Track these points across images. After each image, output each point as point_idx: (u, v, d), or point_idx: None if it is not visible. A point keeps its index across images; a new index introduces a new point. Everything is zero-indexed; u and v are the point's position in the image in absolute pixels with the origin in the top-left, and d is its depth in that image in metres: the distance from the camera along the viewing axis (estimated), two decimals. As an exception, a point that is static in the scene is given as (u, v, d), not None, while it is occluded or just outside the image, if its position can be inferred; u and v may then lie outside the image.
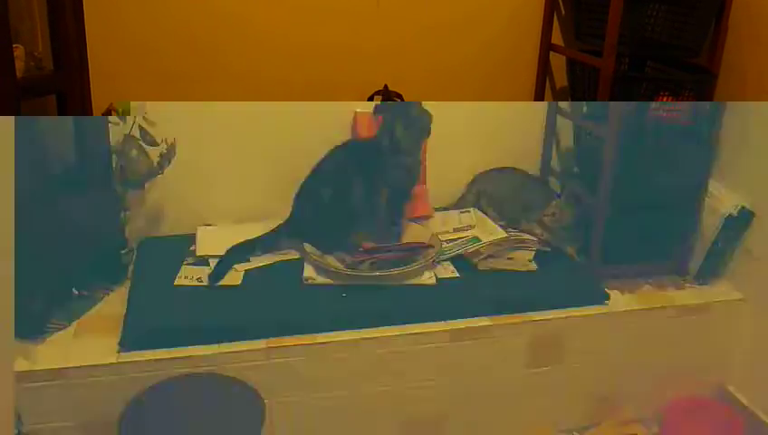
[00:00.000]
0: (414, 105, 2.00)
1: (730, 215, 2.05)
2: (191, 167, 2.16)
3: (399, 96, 2.14)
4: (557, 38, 2.28)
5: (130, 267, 2.06)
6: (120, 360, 1.69)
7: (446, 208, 2.34)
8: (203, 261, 2.02)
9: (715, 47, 1.96)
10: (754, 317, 2.08)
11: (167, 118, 2.04)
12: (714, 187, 2.11)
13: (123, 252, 2.07)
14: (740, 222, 2.05)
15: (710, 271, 2.15)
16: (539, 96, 2.32)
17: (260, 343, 1.76)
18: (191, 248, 2.08)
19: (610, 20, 1.82)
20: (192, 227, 2.17)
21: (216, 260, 1.99)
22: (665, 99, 1.96)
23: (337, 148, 2.04)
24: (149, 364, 1.69)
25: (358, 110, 2.20)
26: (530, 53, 2.30)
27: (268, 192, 2.22)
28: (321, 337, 1.79)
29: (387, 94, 2.10)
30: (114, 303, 1.91)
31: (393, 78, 2.16)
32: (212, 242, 2.09)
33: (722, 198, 2.09)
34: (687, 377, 2.15)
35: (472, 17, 2.22)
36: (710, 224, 2.10)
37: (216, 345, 1.74)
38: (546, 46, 2.27)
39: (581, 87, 2.17)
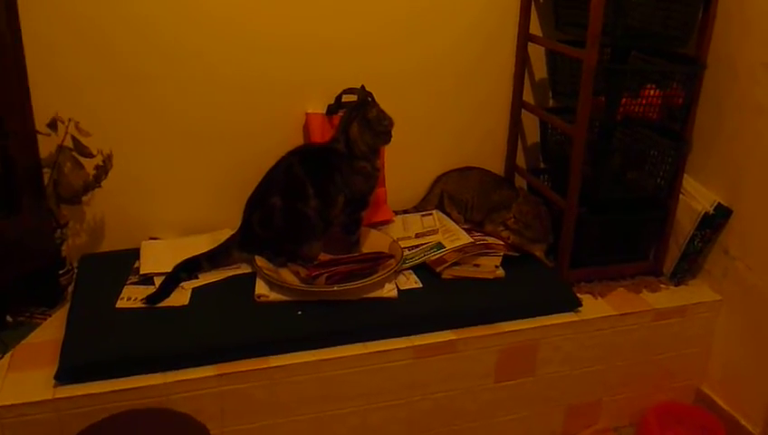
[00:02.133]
0: (371, 107, 1.87)
1: (706, 212, 1.95)
2: (132, 177, 2.02)
3: (370, 95, 2.00)
4: (535, 28, 2.15)
5: (70, 288, 1.91)
6: (56, 396, 1.54)
7: (406, 211, 2.22)
8: (147, 280, 1.88)
9: (703, 36, 1.84)
10: (730, 317, 2.00)
11: (102, 127, 1.90)
12: (688, 183, 2.02)
13: (61, 272, 1.91)
14: (716, 219, 1.96)
15: (685, 271, 2.06)
16: (517, 90, 2.20)
17: (210, 370, 1.63)
18: (135, 265, 1.94)
19: (593, 8, 1.70)
20: (136, 242, 2.03)
21: (162, 278, 1.85)
22: (651, 91, 1.85)
23: (289, 153, 1.90)
24: (89, 399, 1.55)
25: (309, 111, 2.06)
26: (507, 45, 2.17)
27: (216, 202, 2.09)
28: (276, 359, 1.67)
29: (358, 93, 1.96)
30: (52, 328, 1.77)
31: (363, 74, 2.02)
32: (157, 258, 1.95)
33: (697, 195, 1.99)
34: (663, 381, 2.07)
35: (445, 7, 2.08)
36: (685, 222, 2.01)
37: (162, 374, 1.61)
38: (524, 37, 2.14)
39: (563, 80, 2.06)
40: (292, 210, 1.84)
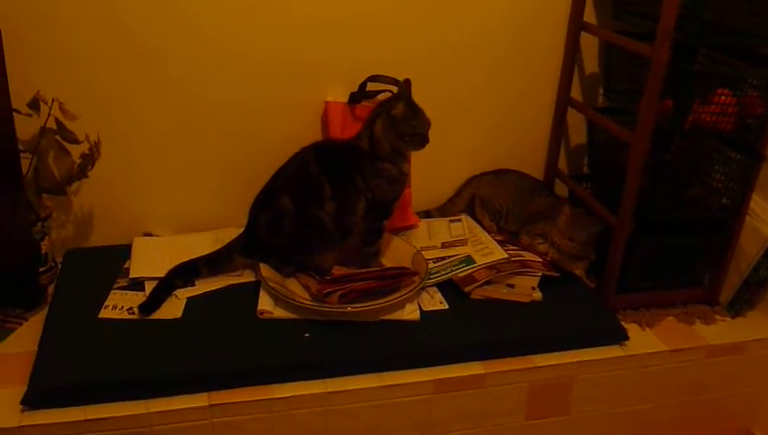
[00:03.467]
0: (397, 102, 1.62)
1: (775, 238, 1.71)
2: (127, 164, 1.81)
3: (397, 83, 1.75)
4: (590, 15, 1.88)
5: (52, 287, 1.69)
6: (22, 423, 1.34)
7: (428, 213, 1.98)
8: (137, 284, 1.66)
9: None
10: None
11: (98, 108, 1.68)
12: (756, 204, 1.76)
13: (42, 270, 1.69)
14: (787, 247, 1.71)
15: (745, 302, 1.82)
16: (564, 84, 1.95)
17: (201, 399, 1.42)
18: (125, 266, 1.72)
19: (668, -2, 1.43)
20: (129, 236, 1.82)
21: (154, 283, 1.63)
22: (722, 98, 1.59)
23: (305, 149, 1.67)
24: (61, 429, 1.35)
25: (329, 99, 1.82)
26: (555, 31, 1.91)
27: (221, 196, 1.87)
28: (278, 389, 1.45)
29: (399, 86, 1.71)
30: (28, 335, 1.56)
31: (390, 57, 1.78)
32: (150, 259, 1.73)
33: (766, 217, 1.74)
34: (711, 422, 1.84)
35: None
36: (749, 247, 1.76)
37: (146, 402, 1.40)
38: (576, 24, 1.88)
39: (619, 77, 1.80)
40: (305, 214, 1.61)
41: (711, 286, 1.84)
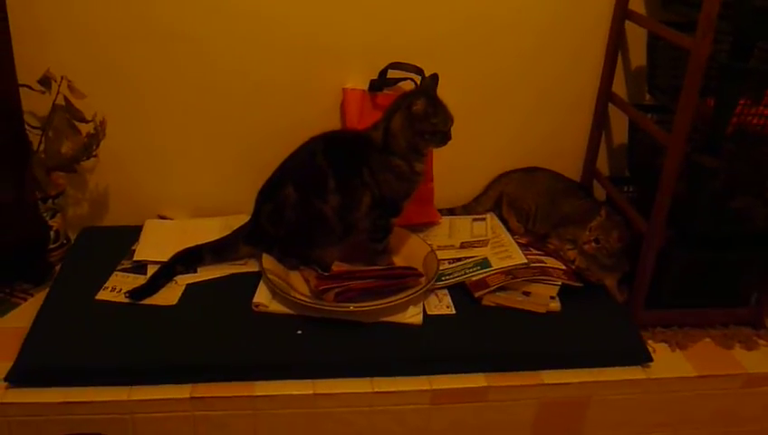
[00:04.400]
0: (418, 97, 1.51)
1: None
2: (144, 145, 1.79)
3: (420, 71, 1.65)
4: (637, 3, 1.72)
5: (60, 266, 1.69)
6: (4, 400, 1.33)
7: (452, 211, 1.88)
8: (140, 267, 1.63)
9: None
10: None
11: (117, 84, 1.67)
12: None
13: (53, 247, 1.69)
14: None
15: (795, 327, 1.63)
16: (606, 78, 1.81)
17: (184, 390, 1.37)
18: (133, 247, 1.70)
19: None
20: (145, 218, 1.81)
21: (156, 268, 1.60)
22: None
23: (314, 138, 1.59)
24: (41, 409, 1.33)
25: (348, 85, 1.73)
26: (598, 19, 1.76)
27: (234, 182, 1.82)
28: (263, 387, 1.39)
29: (423, 80, 1.61)
30: (30, 312, 1.54)
31: (415, 43, 1.69)
32: (158, 241, 1.71)
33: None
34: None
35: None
36: (802, 267, 1.58)
37: (129, 389, 1.36)
38: (621, 12, 1.73)
39: (663, 72, 1.64)
40: (307, 206, 1.54)
41: (756, 308, 1.66)
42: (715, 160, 1.56)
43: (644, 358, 1.52)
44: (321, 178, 1.53)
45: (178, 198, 1.84)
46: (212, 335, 1.46)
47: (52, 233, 1.69)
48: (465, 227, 1.82)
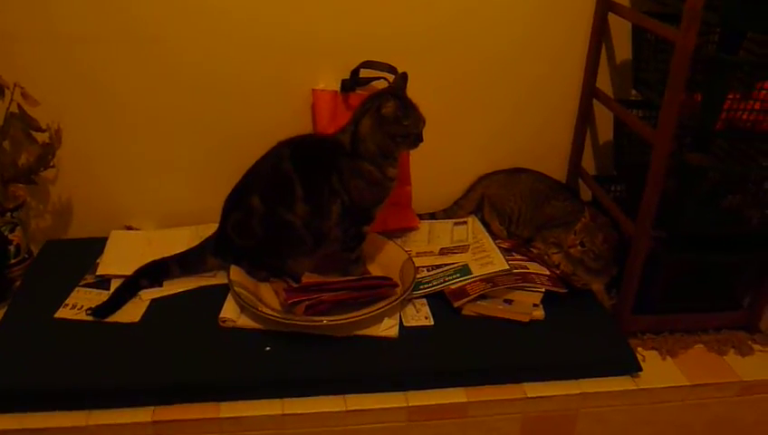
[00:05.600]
0: (388, 99, 1.43)
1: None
2: (108, 153, 1.71)
3: (394, 70, 1.57)
4: (622, -7, 1.66)
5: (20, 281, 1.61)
6: (-47, 428, 1.25)
7: (433, 216, 1.80)
8: (104, 282, 1.56)
9: None
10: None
11: (79, 90, 1.60)
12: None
13: (13, 262, 1.62)
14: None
15: (791, 331, 1.56)
16: (590, 73, 1.73)
17: (145, 413, 1.30)
18: (97, 261, 1.62)
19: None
20: (111, 229, 1.73)
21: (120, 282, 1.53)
22: (765, 93, 1.33)
23: (281, 143, 1.51)
24: (-8, 436, 1.26)
25: (318, 87, 1.65)
26: (580, 11, 1.69)
27: (204, 189, 1.74)
28: (229, 408, 1.31)
29: (395, 79, 1.53)
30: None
31: (389, 39, 1.61)
32: (123, 254, 1.64)
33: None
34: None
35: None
36: (797, 269, 1.50)
37: (87, 413, 1.29)
38: (605, 5, 1.66)
39: (648, 66, 1.56)
40: (274, 217, 1.46)
41: (750, 311, 1.59)
42: (703, 158, 1.49)
43: (633, 367, 1.44)
44: (287, 186, 1.45)
45: (146, 207, 1.76)
46: (176, 354, 1.38)
47: (12, 247, 1.61)
48: (445, 231, 1.74)
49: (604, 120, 1.80)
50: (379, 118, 1.43)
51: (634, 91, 1.73)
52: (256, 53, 1.63)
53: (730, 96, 1.34)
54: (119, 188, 1.75)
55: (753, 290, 1.58)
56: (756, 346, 1.56)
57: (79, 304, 1.49)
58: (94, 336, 1.42)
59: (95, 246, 1.68)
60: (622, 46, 1.73)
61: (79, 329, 1.43)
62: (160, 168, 1.74)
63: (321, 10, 1.61)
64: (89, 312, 1.46)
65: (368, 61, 1.61)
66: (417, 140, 1.47)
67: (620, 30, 1.70)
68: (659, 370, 1.47)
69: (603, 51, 1.73)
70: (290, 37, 1.62)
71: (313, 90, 1.64)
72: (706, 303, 1.59)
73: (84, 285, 1.56)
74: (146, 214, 1.76)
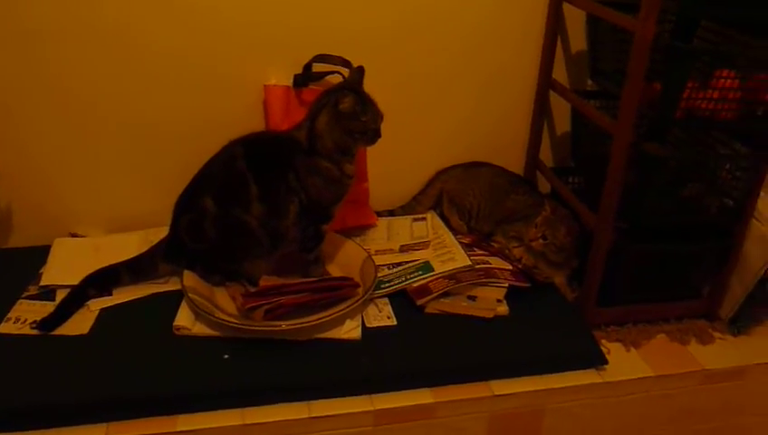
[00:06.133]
0: (345, 94, 1.39)
1: (786, 247, 1.45)
2: (49, 157, 1.62)
3: (348, 64, 1.52)
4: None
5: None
6: None
7: (392, 213, 1.77)
8: (48, 293, 1.48)
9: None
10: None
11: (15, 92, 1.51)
12: (765, 206, 1.50)
13: (-51, 275, 1.52)
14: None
15: (749, 318, 1.57)
16: (546, 64, 1.71)
17: (98, 431, 1.23)
18: (41, 271, 1.54)
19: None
20: (54, 237, 1.64)
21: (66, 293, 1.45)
22: (727, 81, 1.33)
23: (233, 141, 1.45)
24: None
25: (270, 82, 1.60)
26: (537, 4, 1.67)
27: (153, 192, 1.66)
28: (186, 420, 1.25)
29: (351, 72, 1.48)
30: None
31: (344, 30, 1.56)
32: (68, 262, 1.56)
33: (775, 223, 1.49)
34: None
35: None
36: (756, 256, 1.51)
37: (38, 432, 1.21)
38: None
39: (605, 55, 1.55)
40: (228, 218, 1.40)
41: (710, 299, 1.59)
42: (661, 148, 1.49)
43: (599, 361, 1.43)
44: (242, 185, 1.39)
45: (92, 211, 1.68)
46: (128, 366, 1.31)
47: (-54, 259, 1.51)
48: (404, 228, 1.71)
49: (561, 112, 1.79)
50: (337, 113, 1.38)
51: (590, 82, 1.72)
52: (205, 46, 1.57)
53: (689, 85, 1.34)
54: (62, 192, 1.66)
55: (712, 278, 1.59)
56: (716, 334, 1.57)
57: (22, 317, 1.41)
58: (40, 351, 1.34)
59: (38, 256, 1.59)
60: (577, 37, 1.72)
61: (23, 344, 1.35)
62: (107, 168, 1.66)
63: (271, 1, 1.55)
64: (33, 325, 1.38)
65: (321, 54, 1.57)
66: (375, 135, 1.43)
67: (575, 20, 1.69)
68: (624, 362, 1.47)
69: (559, 42, 1.71)
70: (240, 31, 1.57)
71: (265, 85, 1.59)
72: (668, 292, 1.59)
73: (28, 297, 1.47)
74: (92, 219, 1.68)
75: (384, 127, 1.45)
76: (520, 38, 1.70)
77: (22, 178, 1.62)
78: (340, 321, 1.40)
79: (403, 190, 1.79)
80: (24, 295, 1.48)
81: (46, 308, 1.43)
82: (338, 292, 1.42)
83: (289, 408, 1.29)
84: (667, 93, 1.36)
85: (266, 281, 1.43)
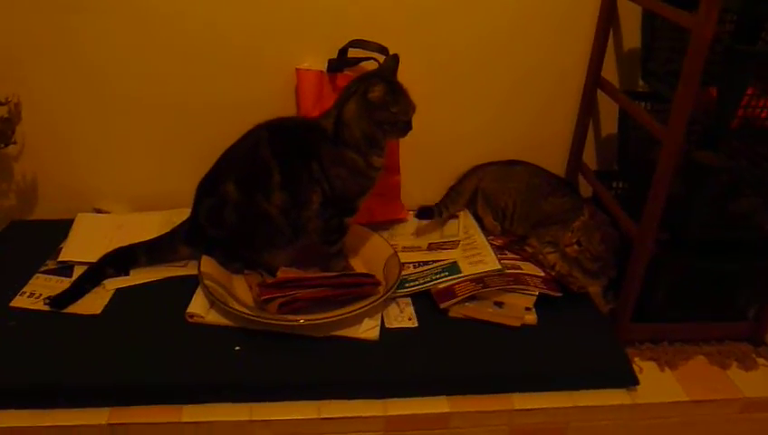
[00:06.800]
0: (376, 83, 1.32)
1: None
2: (78, 130, 1.60)
3: (385, 50, 1.46)
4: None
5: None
6: None
7: (429, 215, 1.69)
8: (66, 269, 1.45)
9: None
10: None
11: (49, 63, 1.48)
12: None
13: (-30, 244, 1.51)
14: None
15: (799, 345, 1.46)
16: (595, 61, 1.62)
17: (101, 414, 1.20)
18: (61, 245, 1.52)
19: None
20: (81, 210, 1.63)
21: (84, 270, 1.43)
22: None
23: (259, 126, 1.40)
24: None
25: (303, 66, 1.54)
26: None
27: (179, 171, 1.62)
28: (191, 411, 1.22)
29: (386, 60, 1.42)
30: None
31: (380, 17, 1.50)
32: (88, 239, 1.54)
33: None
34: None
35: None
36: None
37: (40, 413, 1.19)
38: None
39: (659, 55, 1.45)
40: (249, 205, 1.35)
41: (756, 322, 1.49)
42: (716, 158, 1.38)
43: (630, 380, 1.34)
44: (264, 172, 1.34)
45: (117, 188, 1.66)
46: (137, 350, 1.28)
47: (-29, 227, 1.51)
48: (434, 225, 1.64)
49: (609, 113, 1.69)
50: (366, 103, 1.32)
51: (642, 82, 1.62)
52: (237, 25, 1.52)
53: (748, 92, 1.23)
54: (88, 167, 1.65)
55: (759, 300, 1.48)
56: (761, 360, 1.46)
57: (37, 292, 1.39)
58: (51, 329, 1.32)
59: (60, 229, 1.58)
60: (631, 34, 1.62)
61: (36, 319, 1.34)
62: (133, 147, 1.63)
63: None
64: (47, 301, 1.35)
65: (357, 39, 1.50)
66: (406, 127, 1.37)
67: (630, 15, 1.59)
68: (657, 383, 1.38)
69: (611, 38, 1.61)
70: (275, 12, 1.51)
71: (297, 69, 1.53)
72: (709, 311, 1.49)
73: (45, 272, 1.45)
74: (117, 195, 1.66)
75: (423, 120, 1.38)
76: (568, 30, 1.60)
77: (48, 151, 1.61)
78: (358, 319, 1.35)
79: (435, 185, 1.71)
80: (41, 269, 1.46)
81: (62, 284, 1.41)
82: (358, 289, 1.36)
83: (298, 406, 1.25)
84: (723, 100, 1.26)
85: (284, 272, 1.38)
